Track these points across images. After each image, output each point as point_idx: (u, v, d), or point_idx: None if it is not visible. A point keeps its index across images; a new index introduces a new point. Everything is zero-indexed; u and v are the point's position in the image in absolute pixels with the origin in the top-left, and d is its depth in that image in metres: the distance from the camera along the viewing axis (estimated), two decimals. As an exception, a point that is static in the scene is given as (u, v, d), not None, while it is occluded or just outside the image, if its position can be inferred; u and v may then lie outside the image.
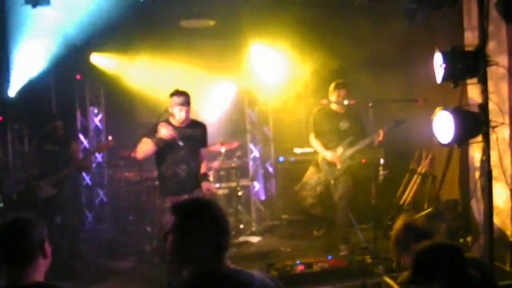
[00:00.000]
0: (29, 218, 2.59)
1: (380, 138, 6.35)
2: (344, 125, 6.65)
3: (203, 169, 5.55)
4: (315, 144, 6.74)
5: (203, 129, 5.61)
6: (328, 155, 6.59)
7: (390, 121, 6.47)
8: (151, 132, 5.27)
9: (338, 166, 6.58)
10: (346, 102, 6.38)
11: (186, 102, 5.32)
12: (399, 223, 3.59)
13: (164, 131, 5.20)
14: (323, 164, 6.67)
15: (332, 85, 6.65)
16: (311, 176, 6.83)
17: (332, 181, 6.63)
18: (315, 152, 6.88)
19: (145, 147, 5.32)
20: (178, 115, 5.33)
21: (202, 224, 2.36)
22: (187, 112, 5.36)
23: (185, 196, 5.17)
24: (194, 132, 5.49)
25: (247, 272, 2.41)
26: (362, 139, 6.58)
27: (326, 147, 6.65)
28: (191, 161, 5.42)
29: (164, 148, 5.32)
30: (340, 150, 6.59)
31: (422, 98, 6.21)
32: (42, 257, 2.55)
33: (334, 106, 6.70)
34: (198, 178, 5.47)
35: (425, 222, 6.40)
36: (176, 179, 5.34)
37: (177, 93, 5.33)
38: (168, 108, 5.39)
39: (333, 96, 6.60)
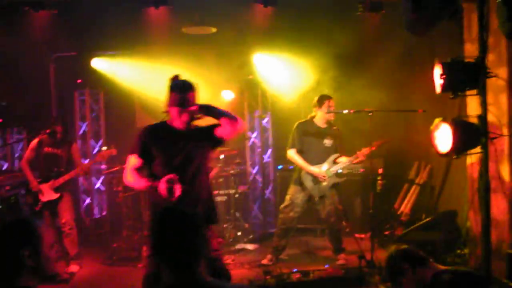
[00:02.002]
0: (17, 223, 2.49)
1: (364, 157, 6.32)
2: (328, 141, 6.57)
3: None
4: (298, 160, 6.52)
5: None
6: (315, 170, 6.45)
7: (388, 132, 6.46)
8: (143, 144, 4.09)
9: (324, 183, 6.48)
10: (345, 111, 6.32)
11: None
12: (390, 252, 3.42)
13: (164, 187, 3.86)
14: (307, 181, 6.51)
15: (322, 98, 6.56)
16: (295, 195, 6.59)
17: (316, 199, 6.52)
18: (295, 169, 6.74)
19: (135, 181, 4.09)
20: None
21: (176, 230, 2.40)
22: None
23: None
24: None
25: (223, 284, 2.47)
26: (345, 155, 6.55)
27: (311, 163, 6.51)
28: (201, 175, 4.20)
29: (161, 161, 4.19)
30: (325, 166, 6.51)
31: (421, 108, 6.21)
32: (31, 266, 2.41)
33: (318, 122, 6.61)
34: (212, 203, 4.31)
35: (423, 233, 6.41)
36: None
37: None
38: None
39: (324, 108, 6.50)
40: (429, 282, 2.97)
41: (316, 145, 6.53)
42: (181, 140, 4.05)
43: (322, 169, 6.47)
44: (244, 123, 4.14)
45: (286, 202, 6.64)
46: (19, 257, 2.39)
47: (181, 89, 4.01)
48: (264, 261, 6.69)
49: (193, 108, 4.01)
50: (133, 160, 4.09)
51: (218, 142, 4.19)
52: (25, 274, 2.42)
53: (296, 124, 6.67)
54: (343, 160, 6.52)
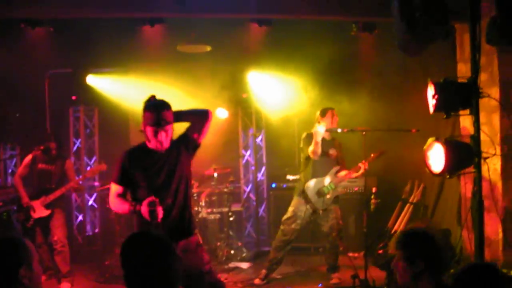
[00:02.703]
0: (15, 240, 2.45)
1: (365, 170, 6.33)
2: (332, 152, 6.63)
3: None
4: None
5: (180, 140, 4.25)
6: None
7: (373, 152, 6.47)
8: (119, 172, 4.11)
9: (328, 196, 6.50)
10: (339, 130, 6.35)
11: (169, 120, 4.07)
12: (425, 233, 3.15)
13: (146, 211, 3.84)
14: (311, 194, 6.51)
15: (324, 111, 6.60)
16: (298, 207, 6.58)
17: (320, 212, 6.52)
18: (297, 181, 6.74)
19: (119, 206, 4.14)
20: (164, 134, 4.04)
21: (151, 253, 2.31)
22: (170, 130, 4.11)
23: (180, 244, 4.63)
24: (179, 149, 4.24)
25: None
26: (346, 168, 6.61)
27: (318, 173, 6.55)
28: (183, 195, 4.21)
29: (145, 184, 4.15)
30: (327, 179, 6.55)
31: (415, 128, 6.25)
32: (27, 285, 2.39)
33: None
34: (192, 219, 4.27)
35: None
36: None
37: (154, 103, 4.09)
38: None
39: (327, 122, 6.52)
40: None
41: (322, 156, 6.51)
42: (159, 160, 4.06)
43: (325, 182, 6.51)
44: (211, 111, 4.24)
45: (288, 214, 6.61)
46: (17, 277, 2.36)
47: (155, 108, 3.96)
48: (256, 281, 6.65)
49: (169, 126, 3.99)
50: (114, 187, 4.12)
51: (195, 145, 4.18)
52: None
53: (304, 134, 6.71)
54: (344, 173, 6.56)
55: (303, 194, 6.54)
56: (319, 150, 6.39)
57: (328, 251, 6.73)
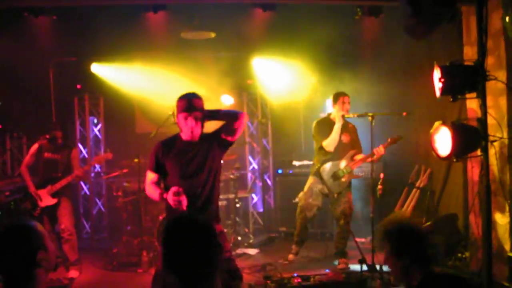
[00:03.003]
0: (27, 226, 2.44)
1: (383, 152, 6.32)
2: (345, 138, 6.66)
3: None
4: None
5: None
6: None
7: (389, 135, 6.47)
8: (158, 160, 4.34)
9: (343, 179, 6.55)
10: (350, 115, 6.44)
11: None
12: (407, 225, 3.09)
13: (172, 199, 4.07)
14: (327, 177, 6.55)
15: (337, 94, 6.63)
16: (314, 184, 6.68)
17: (335, 195, 6.55)
18: (315, 163, 6.78)
19: (152, 193, 4.36)
20: (188, 123, 4.25)
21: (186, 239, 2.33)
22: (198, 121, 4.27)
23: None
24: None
25: None
26: (362, 153, 6.64)
27: (332, 159, 6.60)
28: (209, 184, 4.41)
29: (174, 172, 4.43)
30: (343, 163, 6.58)
31: (422, 111, 6.24)
32: (41, 267, 2.39)
33: (334, 119, 6.65)
34: (217, 207, 4.51)
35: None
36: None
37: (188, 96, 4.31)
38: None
39: (337, 107, 6.57)
40: (419, 282, 2.91)
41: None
42: (191, 150, 4.28)
43: (341, 166, 6.55)
44: (246, 114, 4.41)
45: (304, 190, 6.74)
46: (36, 260, 2.38)
47: (186, 96, 4.25)
48: (290, 257, 6.84)
49: (199, 113, 4.19)
50: (149, 175, 4.41)
51: (227, 143, 4.39)
52: (38, 275, 2.39)
53: (315, 122, 6.79)
54: (360, 157, 6.59)
55: (319, 174, 6.56)
56: (337, 137, 6.50)
57: (338, 235, 6.75)
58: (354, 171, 6.64)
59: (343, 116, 6.58)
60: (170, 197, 4.04)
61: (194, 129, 4.20)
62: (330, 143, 6.51)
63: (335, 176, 6.56)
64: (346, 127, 6.73)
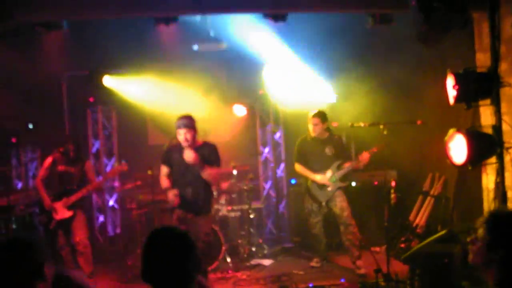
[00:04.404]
0: (29, 241, 2.48)
1: (366, 161, 6.60)
2: (329, 150, 6.92)
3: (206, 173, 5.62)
4: (302, 170, 7.02)
5: (210, 149, 5.71)
6: (317, 177, 6.84)
7: (402, 144, 6.48)
8: (165, 157, 5.74)
9: (329, 188, 6.80)
10: (361, 124, 6.51)
11: (185, 125, 5.50)
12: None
13: (189, 155, 5.45)
14: (314, 189, 6.91)
15: (309, 117, 6.97)
16: (310, 202, 7.01)
17: (323, 203, 6.83)
18: (305, 178, 7.09)
19: (164, 182, 5.75)
20: (180, 137, 5.53)
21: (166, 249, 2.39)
22: (188, 134, 5.50)
23: (190, 216, 5.59)
24: (201, 154, 5.58)
25: None
26: (349, 161, 6.93)
27: (317, 172, 6.89)
28: (197, 184, 5.62)
29: (173, 171, 5.72)
30: (329, 173, 6.82)
31: (421, 119, 6.32)
32: (41, 282, 2.44)
33: (318, 134, 6.95)
34: (205, 202, 5.75)
35: (440, 246, 6.33)
36: (183, 200, 5.57)
37: (179, 117, 5.58)
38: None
39: (310, 125, 6.95)
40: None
41: (319, 155, 6.91)
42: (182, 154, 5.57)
43: (327, 176, 6.81)
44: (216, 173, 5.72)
45: (305, 210, 7.09)
46: (42, 273, 2.44)
47: (178, 119, 5.58)
48: (312, 263, 7.11)
49: (187, 129, 5.52)
50: (163, 169, 5.79)
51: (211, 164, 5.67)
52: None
53: (297, 141, 7.18)
54: (350, 164, 6.84)
55: (308, 191, 6.98)
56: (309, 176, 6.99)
57: (344, 234, 6.76)
58: (339, 181, 6.83)
59: (328, 129, 6.98)
60: (168, 195, 5.55)
61: (185, 139, 5.51)
62: (301, 173, 7.07)
63: (321, 186, 6.85)
64: (331, 140, 7.00)
